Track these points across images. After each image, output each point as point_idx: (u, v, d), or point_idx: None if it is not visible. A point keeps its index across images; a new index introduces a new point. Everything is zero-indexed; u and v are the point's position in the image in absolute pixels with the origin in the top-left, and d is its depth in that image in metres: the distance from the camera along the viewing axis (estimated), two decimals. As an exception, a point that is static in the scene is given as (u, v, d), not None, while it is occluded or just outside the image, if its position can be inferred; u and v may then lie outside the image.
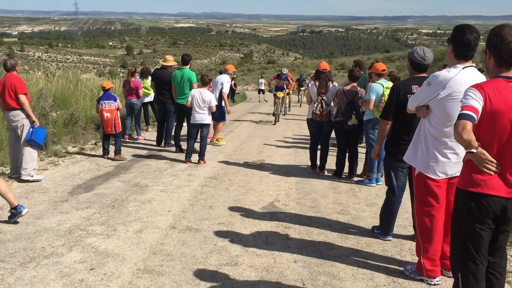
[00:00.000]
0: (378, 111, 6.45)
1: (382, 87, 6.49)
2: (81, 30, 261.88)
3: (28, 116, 6.46)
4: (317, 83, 7.52)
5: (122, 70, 78.86)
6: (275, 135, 12.47)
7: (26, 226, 4.89)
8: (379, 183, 6.97)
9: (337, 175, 7.50)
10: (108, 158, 8.33)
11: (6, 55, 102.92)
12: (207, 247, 4.47)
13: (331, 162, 7.93)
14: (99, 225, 4.99)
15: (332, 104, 7.48)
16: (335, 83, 7.68)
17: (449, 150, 3.52)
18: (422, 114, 3.64)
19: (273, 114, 15.43)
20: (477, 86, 2.59)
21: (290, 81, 16.00)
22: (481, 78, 3.38)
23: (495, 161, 2.59)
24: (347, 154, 7.53)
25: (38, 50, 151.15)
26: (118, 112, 8.33)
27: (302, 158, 9.04)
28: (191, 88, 8.88)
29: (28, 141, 6.46)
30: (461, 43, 3.42)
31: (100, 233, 4.77)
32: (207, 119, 8.23)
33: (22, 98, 6.33)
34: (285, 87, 15.84)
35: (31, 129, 6.48)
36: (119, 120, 8.34)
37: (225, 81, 9.95)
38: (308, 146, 8.13)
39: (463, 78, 3.36)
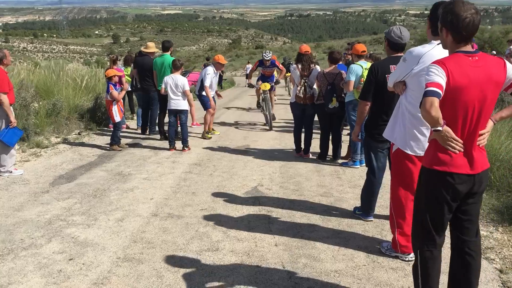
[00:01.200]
0: (358, 92, 6.43)
1: (361, 68, 6.46)
2: (66, 20, 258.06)
3: (6, 115, 6.24)
4: (299, 66, 7.47)
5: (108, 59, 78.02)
6: (261, 120, 12.41)
7: (5, 218, 4.84)
8: (363, 165, 6.97)
9: (321, 158, 7.49)
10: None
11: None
12: (189, 234, 4.46)
13: (316, 145, 7.91)
14: (79, 215, 4.95)
15: (315, 86, 7.44)
16: (318, 66, 7.64)
17: (425, 127, 3.52)
18: (399, 90, 3.64)
19: (265, 117, 11.09)
20: (439, 62, 2.56)
21: (280, 67, 11.38)
22: None
23: (460, 140, 2.59)
24: (330, 137, 7.52)
25: (23, 41, 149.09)
26: (113, 103, 8.13)
27: (288, 142, 9.01)
28: None
29: None
30: (436, 19, 3.41)
31: (80, 223, 4.73)
32: (183, 104, 8.16)
33: (2, 97, 6.08)
34: (275, 75, 11.61)
35: (6, 129, 6.26)
36: (112, 111, 8.13)
37: (205, 73, 9.34)
38: (293, 130, 8.09)
39: (437, 53, 3.34)
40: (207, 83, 9.20)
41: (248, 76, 11.67)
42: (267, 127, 10.74)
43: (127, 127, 10.62)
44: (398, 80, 3.63)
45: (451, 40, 2.61)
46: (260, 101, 11.56)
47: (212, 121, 10.00)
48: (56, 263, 3.81)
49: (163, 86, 8.18)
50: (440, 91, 2.45)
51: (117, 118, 8.10)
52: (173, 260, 3.88)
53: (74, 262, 3.83)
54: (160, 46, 10.09)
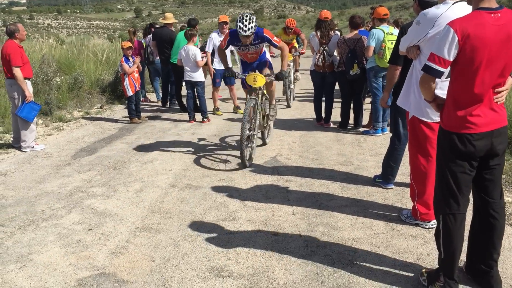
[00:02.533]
0: (379, 58, 6.24)
1: (382, 33, 6.23)
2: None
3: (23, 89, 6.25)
4: (318, 33, 7.27)
5: (132, 34, 78.02)
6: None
7: (28, 190, 4.93)
8: (385, 133, 6.82)
9: (342, 126, 7.36)
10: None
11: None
12: (206, 204, 4.46)
13: (337, 114, 7.77)
14: (99, 187, 5.00)
15: (335, 53, 7.24)
16: (338, 32, 7.41)
17: (440, 91, 3.37)
18: (412, 55, 3.49)
19: (241, 139, 5.36)
20: (455, 25, 2.48)
21: (276, 40, 5.68)
22: None
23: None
24: (352, 105, 7.36)
25: (48, 17, 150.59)
26: (125, 76, 8.11)
27: (309, 111, 8.88)
28: None
29: (17, 116, 6.32)
30: None
31: (100, 194, 4.78)
32: (197, 76, 8.05)
33: (15, 70, 6.08)
34: (267, 54, 6.40)
35: (23, 104, 6.27)
36: (124, 85, 8.12)
37: (210, 38, 8.66)
38: (315, 99, 7.90)
39: (453, 14, 3.15)
40: (208, 49, 8.49)
41: (218, 53, 6.42)
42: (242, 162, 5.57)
43: (147, 100, 10.63)
44: (412, 44, 3.48)
45: None
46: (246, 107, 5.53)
47: (235, 96, 9.08)
48: (75, 233, 3.86)
49: (179, 57, 8.12)
50: (443, 70, 2.53)
51: (129, 92, 8.05)
52: (190, 230, 3.89)
53: (93, 232, 3.88)
54: (179, 19, 9.93)
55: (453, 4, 3.23)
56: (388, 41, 6.11)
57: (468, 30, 2.44)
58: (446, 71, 2.55)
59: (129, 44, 8.26)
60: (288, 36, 10.42)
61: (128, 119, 8.37)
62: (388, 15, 6.48)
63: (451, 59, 2.50)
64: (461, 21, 2.49)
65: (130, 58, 8.13)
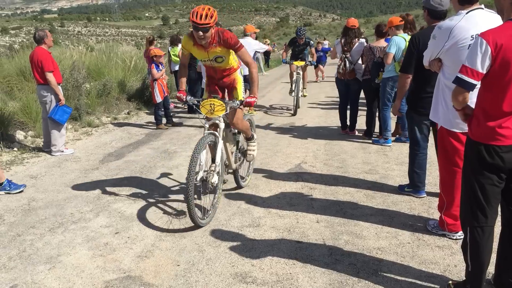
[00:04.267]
0: (399, 66, 6.17)
1: (404, 41, 6.15)
2: (117, 3, 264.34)
3: (55, 93, 6.43)
4: (343, 41, 7.27)
5: (159, 41, 79.41)
6: (308, 98, 12.24)
7: (57, 193, 5.05)
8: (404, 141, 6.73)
9: (367, 135, 7.31)
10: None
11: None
12: (230, 210, 4.49)
13: (362, 122, 7.72)
14: (126, 191, 5.09)
15: (360, 61, 7.22)
16: (362, 40, 7.37)
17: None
18: (435, 68, 3.48)
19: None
20: (488, 36, 2.43)
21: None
22: (491, 18, 3.16)
23: None
24: (377, 113, 7.31)
25: (78, 25, 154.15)
26: (154, 83, 8.28)
27: (334, 119, 8.85)
28: None
29: (49, 119, 6.47)
30: None
31: (127, 198, 4.86)
32: (204, 84, 8.17)
33: (48, 76, 6.26)
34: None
35: (56, 107, 6.46)
36: (153, 92, 8.28)
37: (254, 45, 8.90)
38: (340, 107, 7.88)
39: (467, 24, 3.16)
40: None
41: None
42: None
43: (175, 107, 10.77)
44: (432, 58, 3.47)
45: (509, 2, 2.44)
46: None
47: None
48: (103, 236, 3.94)
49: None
50: (476, 82, 2.49)
51: (158, 98, 8.22)
52: (214, 235, 3.92)
53: (120, 236, 3.95)
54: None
55: (466, 13, 3.21)
56: (407, 47, 6.03)
57: (501, 42, 2.40)
58: (478, 83, 2.51)
59: (162, 52, 8.45)
60: (205, 52, 4.31)
61: (155, 125, 8.50)
62: (403, 22, 6.35)
63: (484, 72, 2.45)
64: (493, 32, 2.44)
65: (160, 65, 8.32)
